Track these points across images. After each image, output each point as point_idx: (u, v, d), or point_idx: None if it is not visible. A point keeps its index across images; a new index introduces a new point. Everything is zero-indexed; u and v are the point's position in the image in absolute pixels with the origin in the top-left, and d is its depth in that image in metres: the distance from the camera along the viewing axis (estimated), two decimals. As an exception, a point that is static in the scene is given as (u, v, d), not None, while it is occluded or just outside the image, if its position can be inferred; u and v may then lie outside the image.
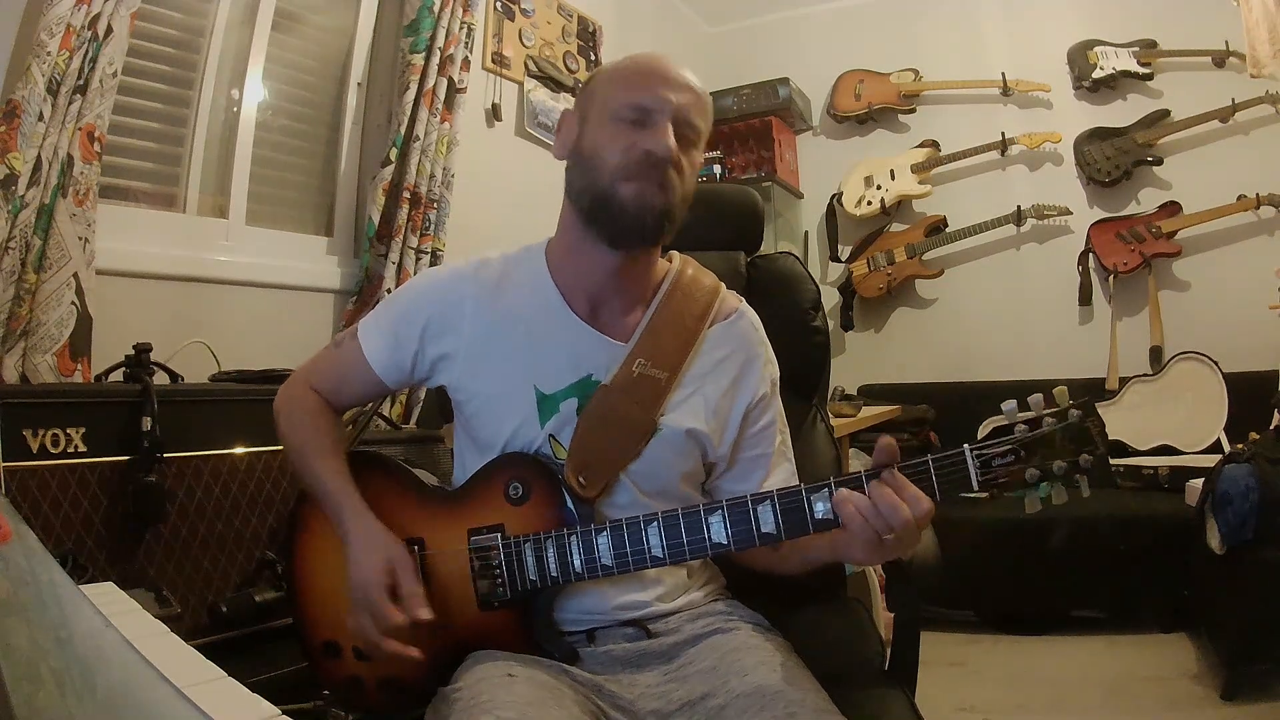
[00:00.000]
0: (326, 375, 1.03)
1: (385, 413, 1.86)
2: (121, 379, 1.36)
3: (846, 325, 3.67)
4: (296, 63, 2.12)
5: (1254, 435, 2.32)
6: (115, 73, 1.47)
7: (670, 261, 1.03)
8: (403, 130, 2.06)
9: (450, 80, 2.16)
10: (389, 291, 2.03)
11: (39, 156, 1.36)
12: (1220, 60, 3.10)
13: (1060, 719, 2.06)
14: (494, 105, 2.57)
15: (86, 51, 1.40)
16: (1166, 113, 3.20)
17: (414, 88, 2.07)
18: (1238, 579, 2.05)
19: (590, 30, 3.06)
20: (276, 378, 1.44)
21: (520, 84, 2.70)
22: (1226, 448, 2.72)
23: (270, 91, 2.05)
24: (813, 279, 1.37)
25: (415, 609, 0.86)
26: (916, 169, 3.55)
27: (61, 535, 1.13)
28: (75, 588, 0.57)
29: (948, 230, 3.49)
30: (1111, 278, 3.26)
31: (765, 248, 1.44)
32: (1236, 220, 3.08)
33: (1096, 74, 3.27)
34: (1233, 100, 3.04)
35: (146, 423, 1.22)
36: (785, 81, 3.55)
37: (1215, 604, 2.23)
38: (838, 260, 3.72)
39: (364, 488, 0.97)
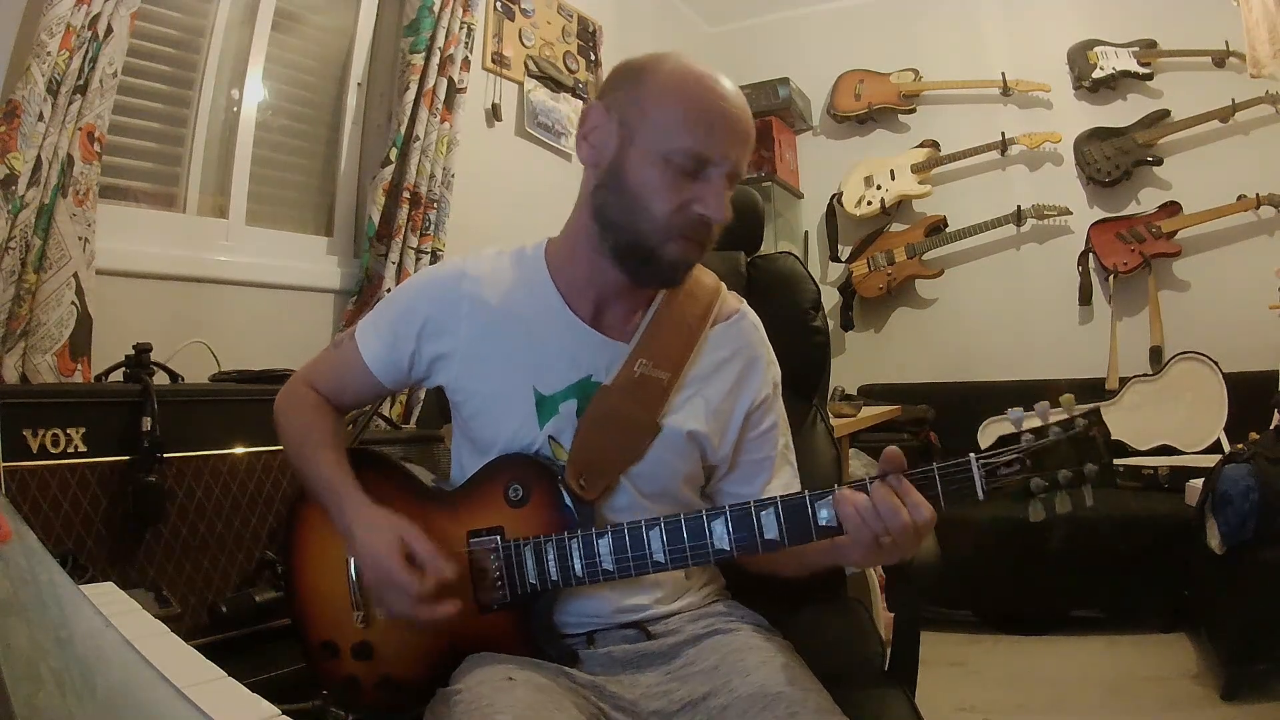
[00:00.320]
0: (326, 376, 1.03)
1: (385, 413, 1.86)
2: (121, 379, 1.37)
3: (846, 325, 3.67)
4: (296, 63, 2.12)
5: (1254, 435, 2.32)
6: (115, 73, 1.47)
7: None
8: (403, 130, 2.06)
9: (450, 80, 2.16)
10: (389, 292, 2.03)
11: (39, 156, 1.36)
12: (1220, 60, 3.10)
13: (1060, 719, 2.06)
14: (494, 105, 2.57)
15: (86, 51, 1.40)
16: (1166, 113, 3.20)
17: (414, 88, 2.07)
18: (1238, 579, 2.05)
19: (590, 30, 3.06)
20: (276, 378, 1.44)
21: (520, 84, 2.70)
22: (1226, 448, 2.72)
23: (270, 91, 2.05)
24: (813, 279, 1.37)
25: (437, 568, 0.85)
26: (916, 169, 3.55)
27: (61, 535, 1.13)
28: (75, 588, 0.57)
29: (948, 230, 3.49)
30: (1111, 278, 3.26)
31: (765, 248, 1.44)
32: (1236, 220, 3.08)
33: (1096, 74, 3.27)
34: (1233, 100, 3.04)
35: (146, 423, 1.22)
36: (785, 81, 3.55)
37: (1215, 604, 2.23)
38: (838, 260, 3.72)
39: (362, 486, 0.96)
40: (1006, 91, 3.45)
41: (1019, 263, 3.48)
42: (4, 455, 1.07)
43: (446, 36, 2.14)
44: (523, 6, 2.71)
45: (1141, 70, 3.22)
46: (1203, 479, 2.13)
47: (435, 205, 2.15)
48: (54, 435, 1.14)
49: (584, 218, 0.93)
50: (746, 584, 1.05)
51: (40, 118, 1.35)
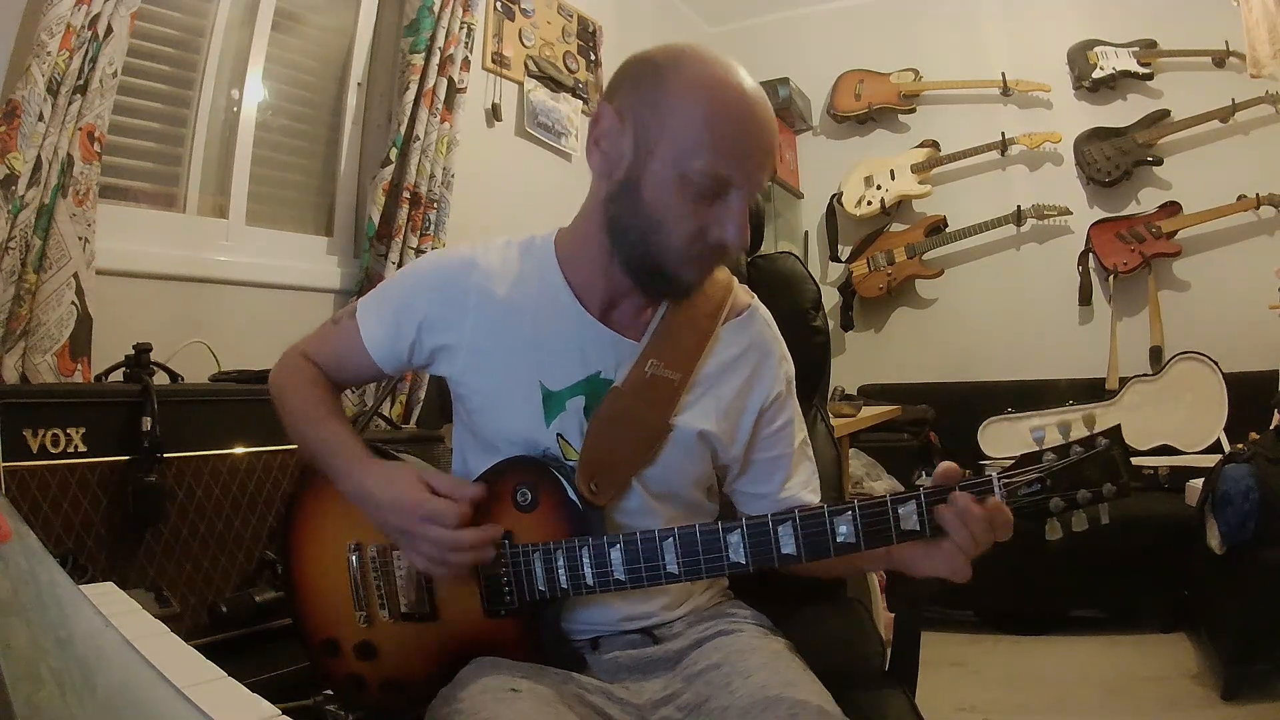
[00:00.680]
0: (323, 352, 1.00)
1: (385, 413, 1.86)
2: (121, 379, 1.37)
3: (846, 325, 3.67)
4: (296, 63, 2.12)
5: (1254, 435, 2.32)
6: (115, 73, 1.47)
7: None
8: (403, 130, 2.06)
9: (450, 80, 2.16)
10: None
11: (39, 156, 1.36)
12: (1220, 60, 3.11)
13: (1060, 719, 2.06)
14: (494, 105, 2.57)
15: (86, 51, 1.40)
16: (1166, 113, 3.20)
17: (414, 88, 2.07)
18: (1238, 579, 2.05)
19: (590, 30, 3.06)
20: (276, 378, 1.44)
21: (520, 84, 2.70)
22: (1226, 448, 2.72)
23: (270, 91, 2.04)
24: (813, 279, 1.37)
25: (465, 492, 0.84)
26: (916, 169, 3.55)
27: (61, 535, 1.13)
28: (75, 588, 0.57)
29: (948, 230, 3.49)
30: (1111, 278, 3.26)
31: (765, 248, 1.43)
32: (1236, 220, 3.09)
33: (1096, 74, 3.27)
34: (1233, 100, 3.04)
35: (146, 423, 1.22)
36: (785, 81, 3.55)
37: (1215, 604, 2.23)
38: (838, 260, 3.72)
39: None
40: (1006, 91, 3.45)
41: (1019, 263, 3.48)
42: (4, 455, 1.07)
43: (446, 36, 2.14)
44: (523, 6, 2.71)
45: (1141, 70, 3.22)
46: (1203, 479, 2.13)
47: (435, 205, 2.15)
48: (54, 435, 1.14)
49: (594, 225, 0.89)
50: (747, 583, 1.05)
51: (40, 118, 1.35)
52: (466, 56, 2.23)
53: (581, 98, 2.95)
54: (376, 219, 2.04)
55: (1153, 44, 3.22)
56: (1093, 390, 3.15)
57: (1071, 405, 3.05)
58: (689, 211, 0.81)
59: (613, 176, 0.85)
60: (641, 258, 0.85)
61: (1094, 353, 3.25)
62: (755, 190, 0.83)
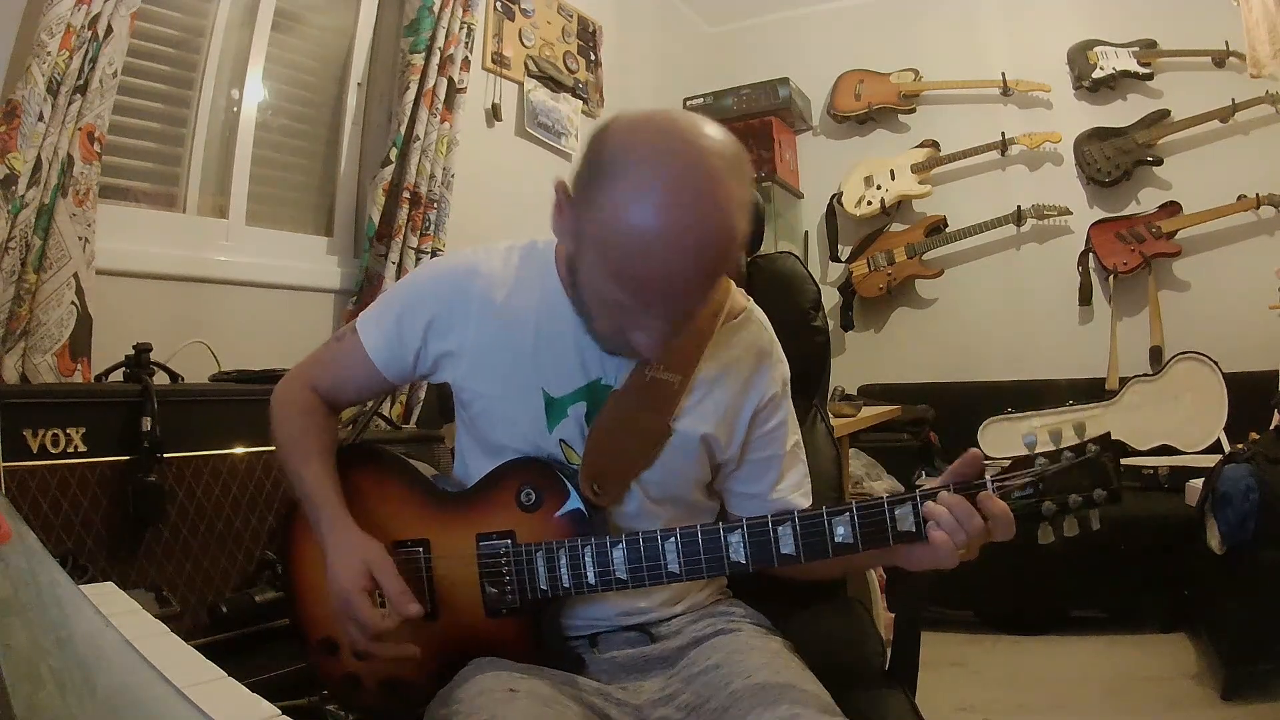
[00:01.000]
0: (326, 371, 1.01)
1: (385, 413, 1.86)
2: (121, 379, 1.37)
3: (846, 325, 3.67)
4: (296, 63, 2.12)
5: (1254, 435, 2.32)
6: (115, 73, 1.47)
7: None
8: (403, 130, 2.06)
9: (450, 80, 2.16)
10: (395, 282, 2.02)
11: (39, 156, 1.36)
12: (1220, 60, 3.10)
13: (1060, 719, 2.06)
14: (494, 105, 2.58)
15: (86, 51, 1.40)
16: (1166, 113, 3.20)
17: (414, 88, 2.07)
18: (1238, 579, 2.05)
19: (590, 30, 3.06)
20: (276, 378, 1.44)
21: (520, 84, 2.70)
22: (1226, 448, 2.72)
23: (270, 91, 2.05)
24: (813, 279, 1.37)
25: (402, 607, 0.83)
26: (916, 169, 3.55)
27: (61, 535, 1.13)
28: (75, 588, 0.57)
29: (948, 230, 3.49)
30: (1111, 278, 3.26)
31: (765, 248, 1.44)
32: (1236, 220, 3.08)
33: (1096, 74, 3.27)
34: (1233, 100, 3.04)
35: (146, 423, 1.22)
36: (785, 81, 3.55)
37: (1215, 604, 2.23)
38: (838, 260, 3.72)
39: (370, 484, 0.96)
40: (1006, 91, 3.45)
41: (1019, 263, 3.48)
42: (4, 455, 1.07)
43: (446, 36, 2.14)
44: (523, 6, 2.71)
45: (1141, 70, 3.22)
46: (1203, 479, 2.13)
47: (435, 205, 2.15)
48: (54, 435, 1.14)
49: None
50: (747, 584, 1.05)
51: (40, 118, 1.35)
52: (466, 56, 2.23)
53: (581, 98, 2.95)
54: (376, 219, 2.04)
55: (1153, 44, 3.22)
56: (1093, 390, 3.15)
57: (1071, 405, 3.05)
58: (611, 313, 0.80)
59: (563, 245, 0.87)
60: (576, 311, 0.86)
61: (1094, 353, 3.25)
62: (666, 317, 0.78)
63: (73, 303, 1.42)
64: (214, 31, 1.86)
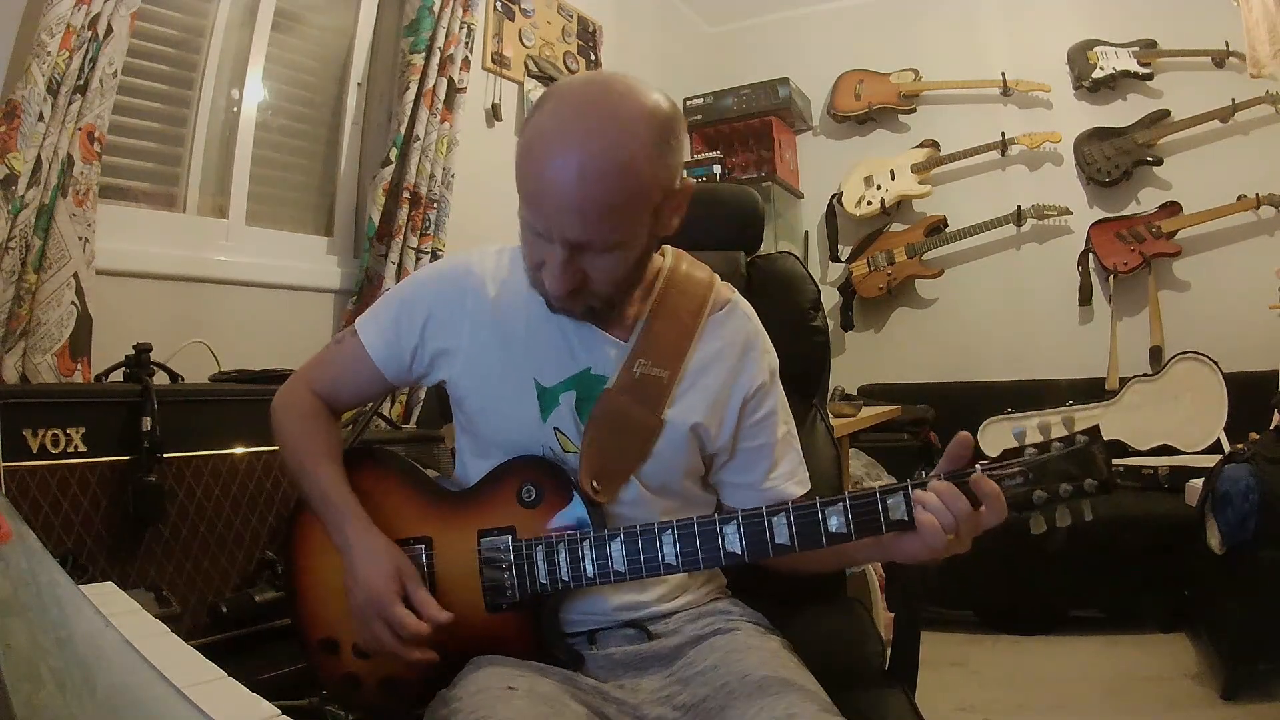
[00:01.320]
0: (325, 372, 1.02)
1: (385, 413, 1.86)
2: (121, 379, 1.37)
3: (846, 325, 3.67)
4: (296, 63, 2.12)
5: (1254, 435, 2.32)
6: (115, 73, 1.47)
7: (663, 256, 1.01)
8: (403, 130, 2.06)
9: (450, 80, 2.16)
10: (389, 290, 2.03)
11: (39, 156, 1.36)
12: (1220, 60, 3.10)
13: (1060, 719, 2.06)
14: (494, 105, 2.58)
15: (86, 51, 1.40)
16: (1166, 113, 3.20)
17: (414, 88, 2.07)
18: (1238, 579, 2.05)
19: (590, 30, 3.06)
20: (276, 378, 1.44)
21: (520, 84, 2.70)
22: (1226, 448, 2.72)
23: (270, 91, 2.05)
24: (813, 279, 1.37)
25: (434, 614, 0.86)
26: (916, 169, 3.55)
27: (61, 535, 1.13)
28: (75, 588, 0.57)
29: (948, 230, 3.49)
30: (1111, 278, 3.26)
31: (765, 248, 1.44)
32: (1236, 220, 3.08)
33: (1096, 74, 3.27)
34: (1233, 100, 3.04)
35: (146, 423, 1.22)
36: (785, 81, 3.55)
37: (1215, 604, 2.23)
38: (838, 260, 3.72)
39: (372, 483, 0.97)
40: (1006, 91, 3.45)
41: (1019, 263, 3.48)
42: (4, 455, 1.07)
43: (446, 36, 2.14)
44: (523, 6, 2.71)
45: (1141, 70, 3.22)
46: (1203, 479, 2.13)
47: (435, 205, 2.15)
48: (54, 435, 1.14)
49: None
50: (746, 583, 1.05)
51: (40, 118, 1.35)
52: (466, 56, 2.23)
53: (581, 98, 2.95)
54: (376, 219, 2.04)
55: (1153, 44, 3.22)
56: (1093, 390, 3.15)
57: (1071, 405, 3.05)
58: (529, 246, 0.85)
59: None
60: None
61: (1094, 353, 3.25)
62: (565, 237, 0.80)
63: (73, 303, 1.42)
64: (214, 31, 1.86)
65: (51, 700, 0.43)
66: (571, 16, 2.96)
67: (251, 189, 1.96)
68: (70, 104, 1.40)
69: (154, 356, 1.38)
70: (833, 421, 1.48)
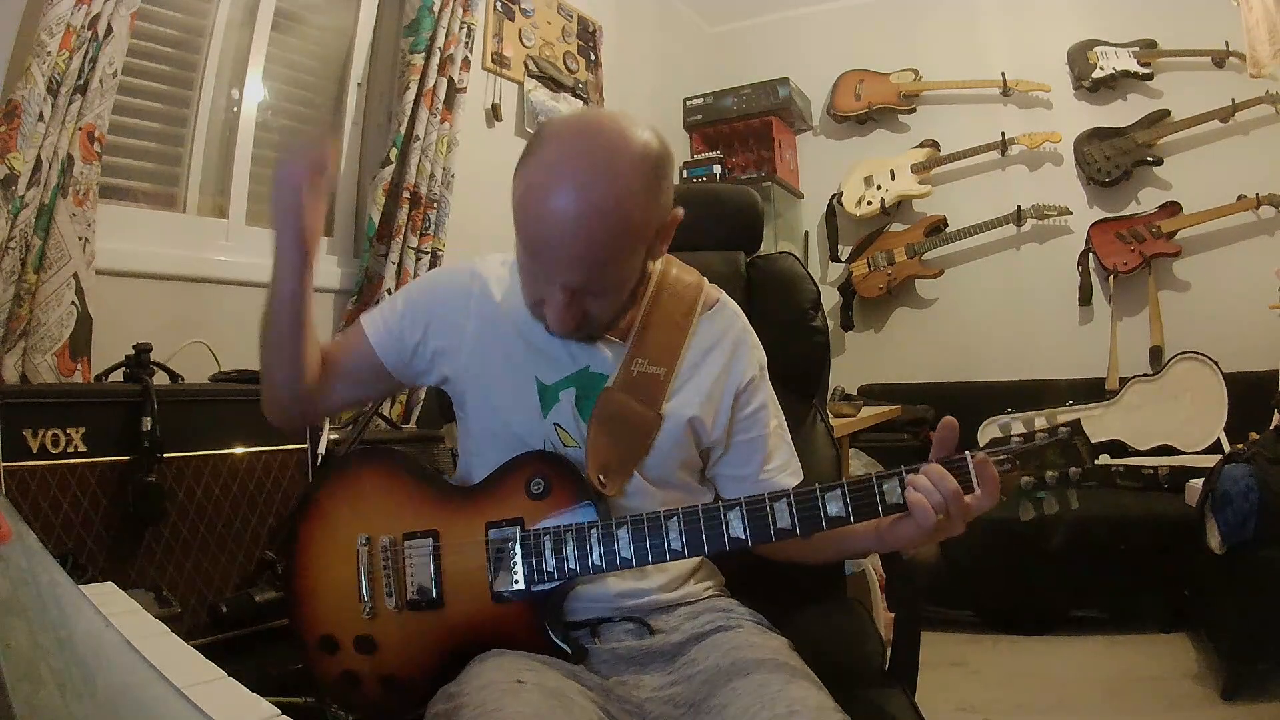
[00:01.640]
0: (327, 347, 1.02)
1: (385, 413, 1.86)
2: (121, 379, 1.37)
3: (846, 325, 3.67)
4: (296, 63, 2.12)
5: (1254, 435, 2.32)
6: (115, 73, 1.47)
7: (653, 262, 1.03)
8: (403, 130, 2.06)
9: (450, 80, 2.16)
10: (389, 292, 2.04)
11: (39, 156, 1.36)
12: (1220, 60, 3.10)
13: (1060, 719, 2.06)
14: (494, 105, 2.58)
15: (86, 51, 1.40)
16: (1166, 113, 3.20)
17: (414, 88, 2.07)
18: (1238, 579, 2.05)
19: (590, 30, 3.06)
20: (276, 378, 1.44)
21: (520, 84, 2.70)
22: (1226, 448, 2.72)
23: (270, 91, 2.05)
24: (812, 279, 1.37)
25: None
26: (916, 169, 3.55)
27: (61, 535, 1.13)
28: (75, 588, 0.57)
29: (948, 230, 3.49)
30: (1111, 278, 3.26)
31: (765, 248, 1.44)
32: (1236, 220, 3.08)
33: (1096, 74, 3.27)
34: (1233, 100, 3.04)
35: (146, 423, 1.22)
36: (785, 81, 3.55)
37: (1215, 604, 2.23)
38: (838, 260, 3.72)
39: (378, 480, 0.98)
40: (1006, 91, 3.45)
41: (1019, 263, 3.48)
42: (4, 455, 1.07)
43: (446, 36, 2.14)
44: (523, 6, 2.71)
45: (1141, 70, 3.22)
46: (1203, 479, 2.13)
47: (435, 205, 2.15)
48: (54, 435, 1.14)
49: None
50: (746, 582, 1.05)
51: (40, 118, 1.35)
52: (466, 56, 2.23)
53: (582, 98, 2.95)
54: (376, 219, 2.04)
55: (1153, 44, 3.22)
56: (1093, 390, 3.15)
57: (1071, 405, 3.05)
58: (529, 283, 0.89)
59: None
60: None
61: (1094, 353, 3.25)
62: (567, 284, 0.84)
63: (73, 303, 1.42)
64: (214, 31, 1.86)
65: (51, 700, 0.43)
66: (571, 16, 2.96)
67: (251, 189, 1.96)
68: (70, 104, 1.40)
69: (154, 356, 1.38)
70: (833, 421, 1.48)
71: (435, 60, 2.11)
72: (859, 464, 2.83)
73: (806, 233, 3.78)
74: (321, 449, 1.47)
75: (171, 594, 1.21)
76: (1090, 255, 3.30)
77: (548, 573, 0.89)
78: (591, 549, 0.88)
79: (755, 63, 3.73)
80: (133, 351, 1.36)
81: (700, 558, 1.02)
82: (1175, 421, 2.95)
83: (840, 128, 3.79)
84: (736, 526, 0.85)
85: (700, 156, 3.53)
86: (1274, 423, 2.42)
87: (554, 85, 2.83)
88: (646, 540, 0.86)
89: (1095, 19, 3.31)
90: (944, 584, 1.10)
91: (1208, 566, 2.14)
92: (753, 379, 1.03)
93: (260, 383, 0.99)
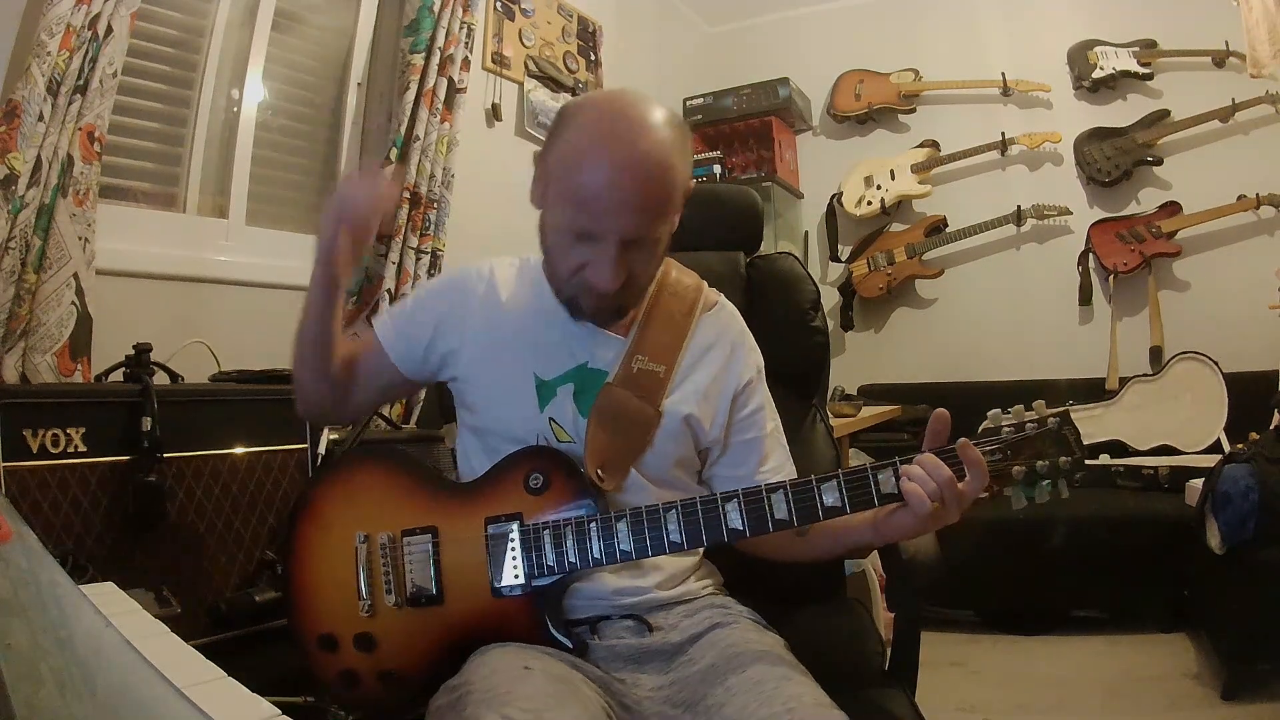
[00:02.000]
0: (346, 345, 1.07)
1: (385, 413, 1.86)
2: (121, 379, 1.36)
3: (846, 325, 3.67)
4: (296, 63, 2.12)
5: (1254, 435, 2.32)
6: (115, 73, 1.47)
7: None
8: (403, 130, 2.06)
9: (450, 80, 2.16)
10: (389, 292, 2.03)
11: (39, 156, 1.36)
12: (1220, 60, 3.10)
13: (1060, 719, 2.06)
14: (494, 105, 2.58)
15: (86, 51, 1.40)
16: (1166, 113, 3.20)
17: (414, 88, 2.07)
18: (1238, 579, 2.05)
19: (590, 30, 3.06)
20: (277, 378, 1.45)
21: (520, 84, 2.70)
22: (1226, 448, 2.72)
23: (270, 91, 2.05)
24: (812, 279, 1.37)
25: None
26: (916, 169, 3.55)
27: (61, 535, 1.13)
28: (75, 588, 0.57)
29: (948, 230, 3.49)
30: (1111, 278, 3.26)
31: (765, 248, 1.44)
32: (1236, 220, 3.08)
33: (1096, 74, 3.27)
34: (1233, 100, 3.04)
35: (146, 423, 1.22)
36: (785, 81, 3.55)
37: (1215, 604, 2.23)
38: (838, 260, 3.72)
39: (377, 478, 0.99)
40: (1006, 91, 3.45)
41: (1019, 263, 3.48)
42: (4, 455, 1.07)
43: (446, 36, 2.14)
44: (523, 6, 2.71)
45: (1141, 70, 3.22)
46: (1203, 479, 2.13)
47: (435, 205, 2.15)
48: (54, 435, 1.14)
49: None
50: (745, 581, 1.05)
51: (40, 118, 1.35)
52: (466, 56, 2.23)
53: (581, 98, 2.95)
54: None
55: (1153, 44, 3.22)
56: (1093, 390, 3.15)
57: (1072, 405, 3.04)
58: (568, 252, 0.91)
59: (537, 207, 0.98)
60: (550, 283, 0.98)
61: (1094, 353, 3.25)
62: (622, 235, 0.87)
63: (73, 303, 1.42)
64: (214, 31, 1.86)
65: (51, 700, 0.43)
66: (571, 16, 2.96)
67: (251, 189, 1.96)
68: (70, 104, 1.40)
69: (154, 356, 1.38)
70: (833, 421, 1.48)
71: (435, 60, 2.11)
72: (859, 464, 2.83)
73: (806, 233, 3.78)
74: (321, 449, 1.47)
75: (171, 594, 1.21)
76: (1090, 255, 3.30)
77: (547, 566, 0.89)
78: (591, 542, 0.88)
79: (755, 63, 3.73)
80: (133, 351, 1.36)
81: (699, 557, 1.03)
82: (1175, 421, 2.95)
83: (840, 128, 3.79)
84: (734, 518, 0.85)
85: (700, 156, 3.53)
86: (1274, 423, 2.42)
87: (554, 85, 2.83)
88: (646, 533, 0.87)
89: (1095, 19, 3.31)
90: (943, 584, 1.09)
91: (1208, 566, 2.14)
92: (750, 381, 1.04)
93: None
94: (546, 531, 0.90)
